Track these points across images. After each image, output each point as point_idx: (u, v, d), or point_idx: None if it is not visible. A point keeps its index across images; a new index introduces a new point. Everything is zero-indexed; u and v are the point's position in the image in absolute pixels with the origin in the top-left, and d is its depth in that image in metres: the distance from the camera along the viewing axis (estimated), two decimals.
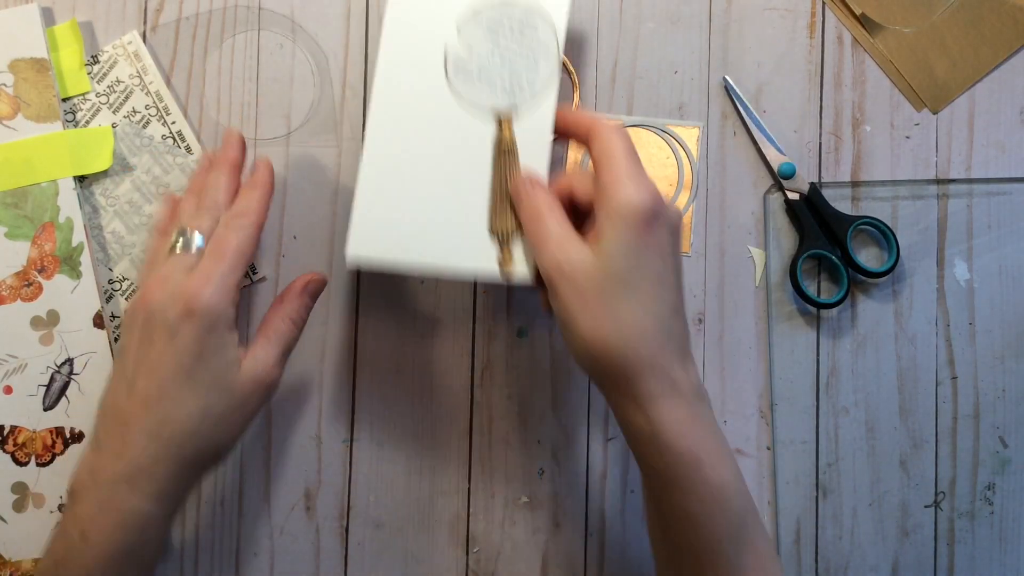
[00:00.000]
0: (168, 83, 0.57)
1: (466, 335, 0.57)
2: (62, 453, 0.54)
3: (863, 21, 0.58)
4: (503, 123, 0.51)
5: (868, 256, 0.58)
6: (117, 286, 0.56)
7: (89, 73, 0.57)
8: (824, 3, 0.59)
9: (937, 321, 0.57)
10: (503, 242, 0.50)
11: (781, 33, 0.58)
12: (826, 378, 0.57)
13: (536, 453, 0.57)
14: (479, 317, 0.57)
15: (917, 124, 0.58)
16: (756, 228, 0.58)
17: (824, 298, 0.57)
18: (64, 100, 0.56)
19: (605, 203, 0.43)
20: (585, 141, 0.47)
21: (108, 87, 0.57)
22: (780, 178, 0.57)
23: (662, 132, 0.58)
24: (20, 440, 0.54)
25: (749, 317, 0.57)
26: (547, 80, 0.51)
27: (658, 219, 0.43)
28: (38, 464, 0.54)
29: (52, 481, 0.54)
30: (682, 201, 0.58)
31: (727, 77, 0.58)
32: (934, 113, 0.58)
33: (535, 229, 0.46)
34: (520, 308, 0.57)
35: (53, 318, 0.54)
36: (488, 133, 0.51)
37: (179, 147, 0.57)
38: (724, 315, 0.57)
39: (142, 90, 0.57)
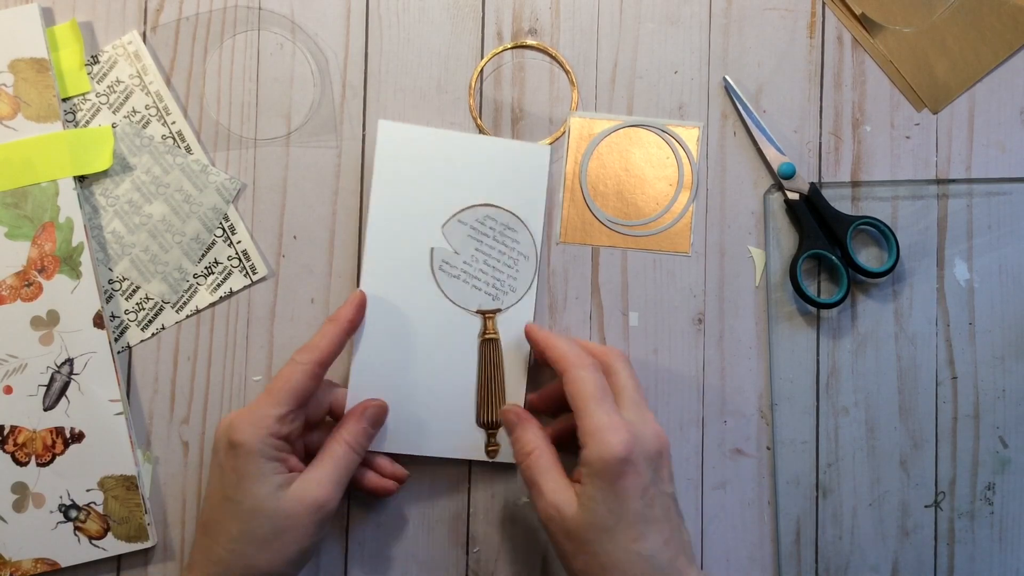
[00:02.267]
0: (168, 83, 0.57)
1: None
2: (62, 453, 0.54)
3: (863, 21, 0.58)
4: (487, 319, 0.56)
5: (868, 256, 0.58)
6: (117, 286, 0.56)
7: (89, 73, 0.57)
8: (824, 3, 0.59)
9: (937, 321, 0.57)
10: (489, 432, 0.55)
11: (781, 33, 0.58)
12: (826, 378, 0.57)
13: None
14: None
15: (917, 124, 0.58)
16: (756, 228, 0.58)
17: (824, 298, 0.57)
18: (64, 100, 0.56)
19: (583, 450, 0.47)
20: (558, 373, 0.49)
21: (108, 87, 0.57)
22: (780, 178, 0.57)
23: (662, 132, 0.58)
24: (20, 440, 0.54)
25: (749, 317, 0.57)
26: (528, 281, 0.56)
27: (630, 465, 0.45)
28: (38, 464, 0.54)
29: (52, 481, 0.54)
30: (682, 201, 0.58)
31: (727, 77, 0.58)
32: (934, 113, 0.58)
33: (529, 476, 0.49)
34: None
35: (53, 318, 0.54)
36: (473, 325, 0.55)
37: (179, 147, 0.57)
38: (724, 315, 0.57)
39: (142, 90, 0.57)
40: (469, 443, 0.55)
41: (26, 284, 0.54)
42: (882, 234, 0.57)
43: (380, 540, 0.56)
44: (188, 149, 0.57)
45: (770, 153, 0.57)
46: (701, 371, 0.57)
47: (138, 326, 0.56)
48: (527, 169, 0.56)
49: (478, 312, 0.56)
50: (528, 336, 0.53)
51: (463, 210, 0.56)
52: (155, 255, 0.56)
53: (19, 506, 0.53)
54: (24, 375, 0.54)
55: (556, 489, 0.47)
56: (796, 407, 0.57)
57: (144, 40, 0.58)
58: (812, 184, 0.57)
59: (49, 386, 0.54)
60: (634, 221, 0.58)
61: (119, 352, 0.56)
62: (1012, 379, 0.57)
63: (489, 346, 0.55)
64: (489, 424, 0.55)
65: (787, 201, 0.57)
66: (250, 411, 0.49)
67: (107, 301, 0.56)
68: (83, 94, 0.56)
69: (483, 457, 0.55)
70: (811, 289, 0.57)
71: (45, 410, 0.54)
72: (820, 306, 0.57)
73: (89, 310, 0.54)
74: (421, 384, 0.55)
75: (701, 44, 0.58)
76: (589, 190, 0.58)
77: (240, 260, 0.56)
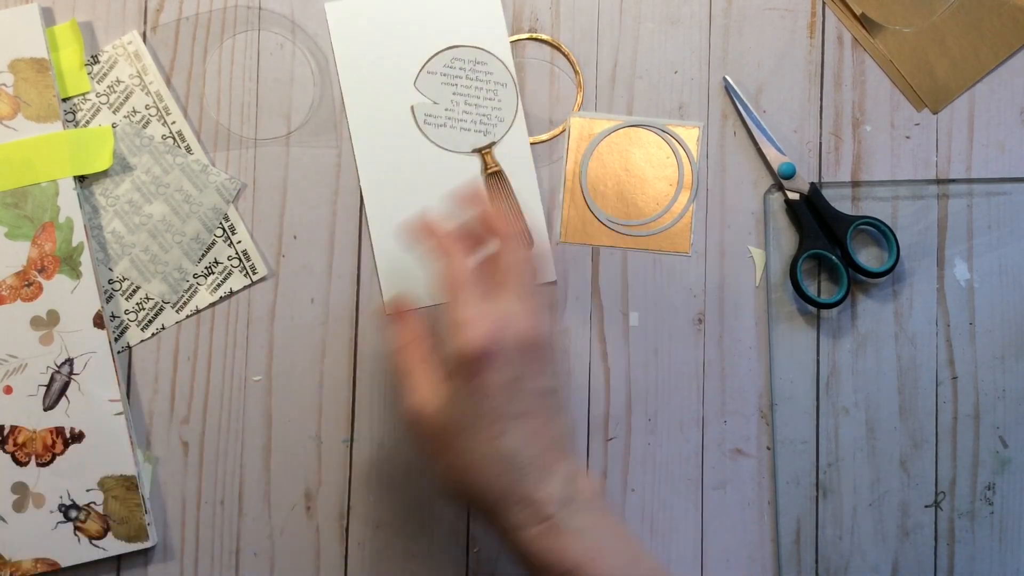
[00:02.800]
0: (168, 83, 0.57)
1: None
2: (62, 453, 0.54)
3: (863, 21, 0.58)
4: (484, 156, 0.57)
5: (868, 256, 0.58)
6: (117, 286, 0.56)
7: (89, 73, 0.57)
8: (824, 3, 0.59)
9: (937, 321, 0.57)
10: None
11: (781, 33, 0.58)
12: (826, 378, 0.57)
13: None
14: None
15: (917, 124, 0.58)
16: (756, 228, 0.58)
17: (824, 298, 0.57)
18: (64, 100, 0.56)
19: (445, 344, 0.45)
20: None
21: (108, 87, 0.57)
22: (780, 178, 0.57)
23: (662, 132, 0.58)
24: (20, 440, 0.54)
25: (749, 317, 0.57)
26: (512, 107, 0.57)
27: (489, 359, 0.43)
28: (38, 464, 0.54)
29: (52, 481, 0.54)
30: (682, 201, 0.58)
31: (727, 77, 0.58)
32: (934, 113, 0.58)
33: (398, 374, 0.47)
34: None
35: (53, 318, 0.54)
36: (474, 165, 0.57)
37: (179, 147, 0.57)
38: (724, 315, 0.57)
39: (142, 90, 0.57)
40: None
41: (26, 284, 0.54)
42: (882, 234, 0.57)
43: (380, 540, 0.56)
44: (188, 149, 0.57)
45: (770, 153, 0.57)
46: (701, 371, 0.57)
47: (138, 326, 0.56)
48: None
49: (474, 151, 0.57)
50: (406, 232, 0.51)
51: (429, 60, 0.57)
52: (155, 255, 0.56)
53: (19, 506, 0.53)
54: (24, 375, 0.54)
55: (420, 386, 0.46)
56: (796, 407, 0.57)
57: (144, 40, 0.57)
58: (812, 184, 0.57)
59: (49, 386, 0.54)
60: (634, 221, 0.58)
61: (119, 352, 0.56)
62: (1012, 379, 0.57)
63: (495, 179, 0.57)
64: None
65: (787, 201, 0.57)
66: None
67: (107, 301, 0.56)
68: (83, 94, 0.56)
69: None
70: (811, 289, 0.57)
71: (45, 410, 0.54)
72: (820, 306, 0.57)
73: (89, 310, 0.54)
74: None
75: (701, 44, 0.58)
76: (589, 190, 0.58)
77: (240, 260, 0.56)
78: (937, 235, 0.58)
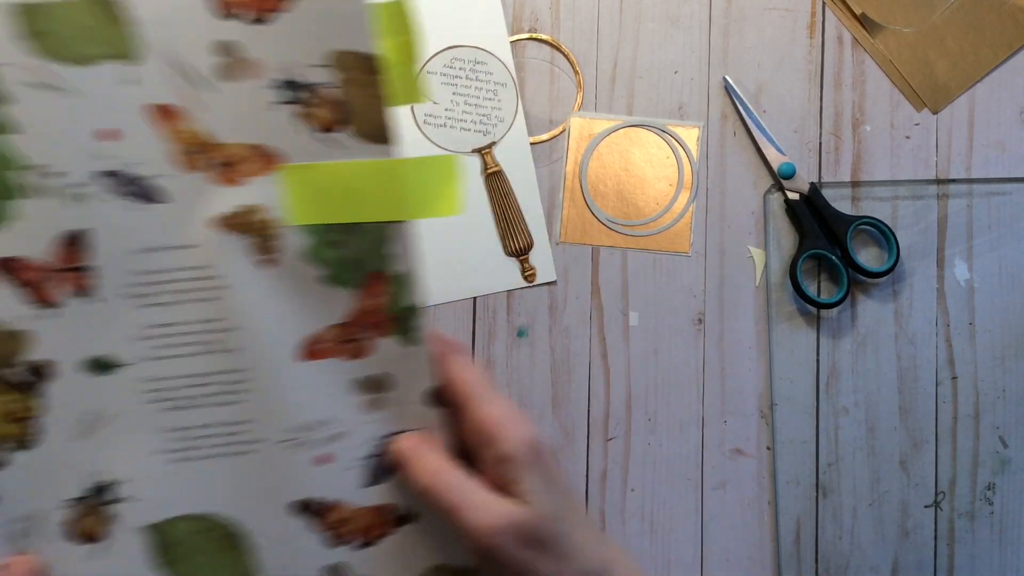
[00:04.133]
0: None
1: (466, 335, 0.57)
2: (387, 535, 0.44)
3: (863, 21, 0.58)
4: (484, 156, 0.57)
5: (868, 256, 0.58)
6: None
7: None
8: (824, 3, 0.59)
9: (937, 321, 0.57)
10: (520, 258, 0.57)
11: (781, 33, 0.58)
12: (826, 378, 0.57)
13: None
14: (479, 317, 0.57)
15: (917, 124, 0.58)
16: (756, 228, 0.58)
17: (824, 298, 0.57)
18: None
19: (490, 446, 0.40)
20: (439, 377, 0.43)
21: None
22: (780, 178, 0.57)
23: (662, 132, 0.58)
24: (336, 518, 0.44)
25: (749, 317, 0.57)
26: (512, 107, 0.57)
27: (542, 443, 0.40)
28: (357, 547, 0.44)
29: (371, 566, 0.44)
30: (682, 201, 0.58)
31: (727, 77, 0.58)
32: (934, 113, 0.58)
33: (446, 500, 0.41)
34: (520, 308, 0.57)
35: (380, 384, 0.44)
36: (474, 165, 0.57)
37: None
38: (724, 315, 0.57)
39: None
40: (504, 275, 0.57)
41: (348, 340, 0.43)
42: (882, 234, 0.57)
43: None
44: None
45: (770, 153, 0.57)
46: (701, 371, 0.57)
47: None
48: None
49: (474, 151, 0.57)
50: None
51: (428, 60, 0.57)
52: None
53: None
54: (344, 443, 0.44)
55: (488, 499, 0.40)
56: (796, 407, 0.57)
57: None
58: (812, 184, 0.57)
59: (373, 459, 0.44)
60: (634, 221, 0.58)
61: None
62: (1012, 379, 0.57)
63: (494, 179, 0.57)
64: (518, 251, 0.57)
65: (787, 201, 0.57)
66: None
67: None
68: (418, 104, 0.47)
69: (522, 283, 0.57)
70: (811, 289, 0.57)
71: (367, 486, 0.44)
72: (820, 306, 0.57)
73: (420, 383, 0.43)
74: (442, 237, 0.57)
75: (701, 44, 0.58)
76: (589, 190, 0.58)
77: None
78: (937, 235, 0.58)
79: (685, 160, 0.58)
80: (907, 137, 0.58)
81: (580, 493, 0.57)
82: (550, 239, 0.57)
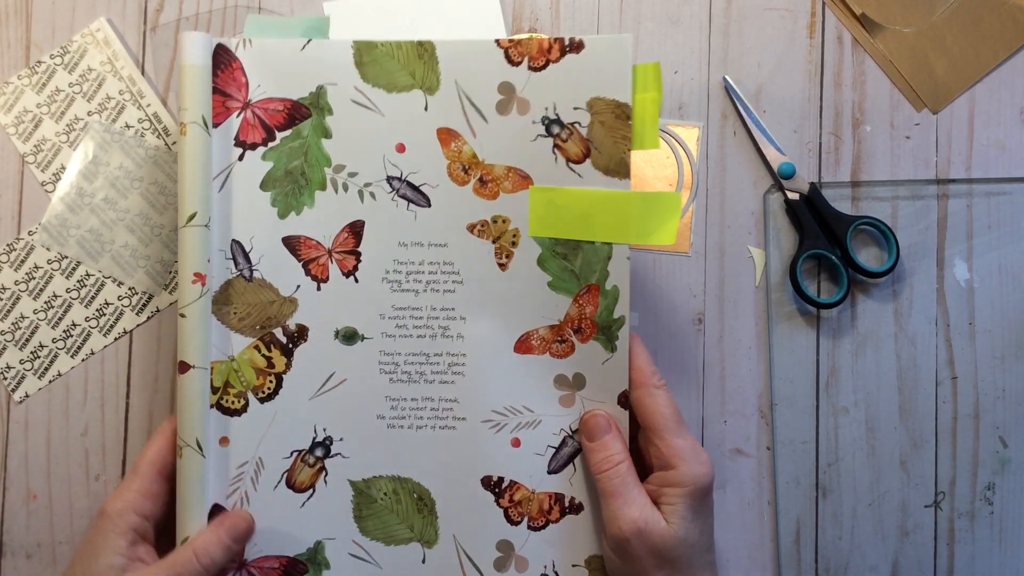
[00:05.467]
0: (141, 68, 0.57)
1: None
2: (557, 521, 0.51)
3: (863, 21, 0.58)
4: None
5: (868, 256, 0.58)
6: (9, 336, 0.56)
7: (59, 64, 0.56)
8: (824, 3, 0.59)
9: (937, 321, 0.57)
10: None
11: (781, 33, 0.58)
12: (826, 378, 0.57)
13: None
14: None
15: (917, 124, 0.58)
16: (756, 228, 0.58)
17: (824, 298, 0.57)
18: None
19: (669, 470, 0.48)
20: (632, 384, 0.51)
21: (80, 76, 0.57)
22: (780, 178, 0.57)
23: (662, 132, 0.58)
24: (517, 498, 0.51)
25: (749, 317, 0.57)
26: None
27: (712, 487, 0.49)
28: (530, 527, 0.51)
29: (539, 549, 0.51)
30: (682, 201, 0.58)
31: (727, 77, 0.58)
32: (934, 113, 0.58)
33: (614, 487, 0.49)
34: None
35: (579, 381, 0.51)
36: None
37: (156, 129, 0.56)
38: (724, 315, 0.57)
39: (115, 76, 0.57)
40: None
41: (559, 340, 0.51)
42: (882, 234, 0.57)
43: None
44: (165, 131, 0.57)
45: (770, 153, 0.57)
46: (701, 371, 0.57)
47: (132, 311, 0.56)
48: None
49: None
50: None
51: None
52: (135, 249, 0.56)
53: (500, 565, 0.51)
54: (536, 431, 0.51)
55: (645, 504, 0.48)
56: (796, 407, 0.57)
57: (144, 39, 0.57)
58: (812, 184, 0.57)
59: (559, 449, 0.51)
60: None
61: (117, 338, 0.56)
62: (1012, 379, 0.57)
63: None
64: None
65: (787, 201, 0.57)
66: (125, 481, 0.49)
67: (97, 292, 0.56)
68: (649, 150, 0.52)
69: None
70: (811, 289, 0.57)
71: (549, 473, 0.51)
72: (820, 306, 0.57)
73: (615, 387, 0.51)
74: None
75: (701, 44, 0.58)
76: None
77: None
78: (937, 235, 0.58)
79: (685, 160, 0.58)
80: (907, 137, 0.58)
81: None
82: None
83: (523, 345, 0.51)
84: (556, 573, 0.51)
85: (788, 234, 0.58)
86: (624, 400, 0.50)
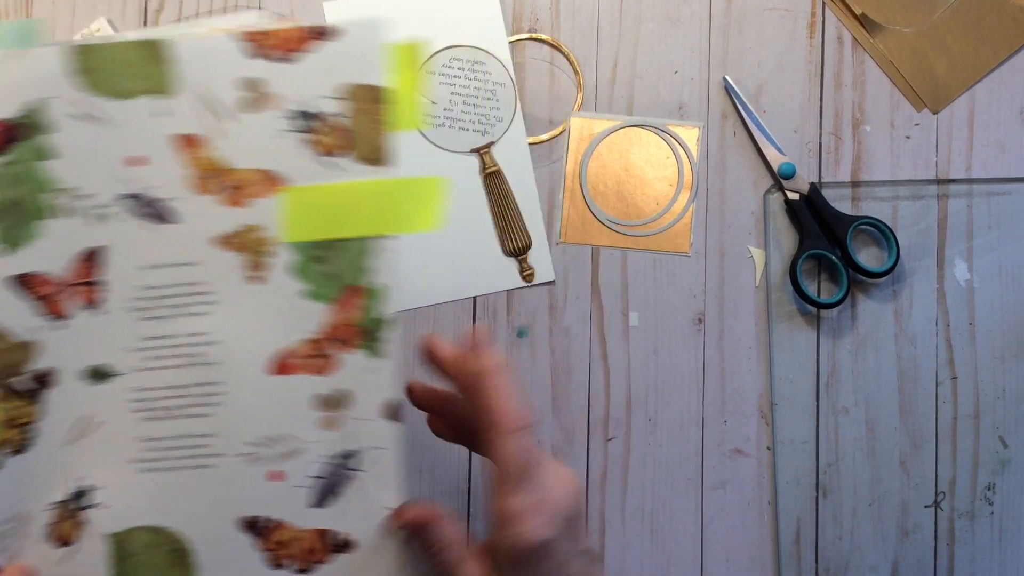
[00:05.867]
0: None
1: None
2: (322, 562, 0.44)
3: (863, 21, 0.58)
4: (483, 156, 0.57)
5: (868, 256, 0.58)
6: None
7: None
8: (824, 3, 0.59)
9: (937, 321, 0.57)
10: (519, 258, 0.57)
11: (781, 33, 0.58)
12: (826, 378, 0.57)
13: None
14: (479, 317, 0.57)
15: (917, 124, 0.58)
16: (756, 228, 0.58)
17: (824, 298, 0.57)
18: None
19: (493, 532, 0.41)
20: (483, 422, 0.42)
21: None
22: (780, 178, 0.57)
23: (662, 132, 0.58)
24: (281, 538, 0.45)
25: (749, 317, 0.57)
26: (511, 107, 0.57)
27: (544, 549, 0.40)
28: (297, 572, 0.45)
29: None
30: (682, 201, 0.58)
31: (727, 77, 0.58)
32: (934, 113, 0.58)
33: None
34: (520, 308, 0.57)
35: (343, 400, 0.45)
36: (472, 165, 0.57)
37: None
38: (724, 315, 0.57)
39: None
40: (503, 275, 0.57)
41: (317, 355, 0.45)
42: (882, 234, 0.57)
43: None
44: None
45: (770, 153, 0.57)
46: (701, 371, 0.57)
47: None
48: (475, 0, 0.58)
49: (472, 151, 0.57)
50: (428, 354, 0.45)
51: (427, 60, 0.57)
52: None
53: None
54: (297, 461, 0.45)
55: None
56: (796, 407, 0.57)
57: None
58: (812, 184, 0.57)
59: (325, 479, 0.45)
60: (634, 221, 0.58)
61: None
62: (1012, 379, 0.57)
63: (493, 179, 0.57)
64: (516, 251, 0.57)
65: (787, 201, 0.57)
66: None
67: None
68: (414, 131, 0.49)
69: (520, 284, 0.57)
70: (811, 289, 0.57)
71: (314, 506, 0.45)
72: (820, 306, 0.57)
73: (385, 397, 0.44)
74: (440, 236, 0.57)
75: (701, 44, 0.58)
76: (589, 190, 0.58)
77: None
78: (937, 235, 0.58)
79: (685, 160, 0.58)
80: (907, 137, 0.58)
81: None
82: (549, 239, 0.57)
83: (280, 366, 0.45)
84: None
85: (788, 234, 0.58)
86: (393, 413, 0.44)
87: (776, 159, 0.57)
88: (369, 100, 0.45)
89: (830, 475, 0.57)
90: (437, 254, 0.57)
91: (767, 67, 0.58)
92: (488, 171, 0.57)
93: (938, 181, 0.58)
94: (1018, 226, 0.58)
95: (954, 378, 0.57)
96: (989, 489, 0.57)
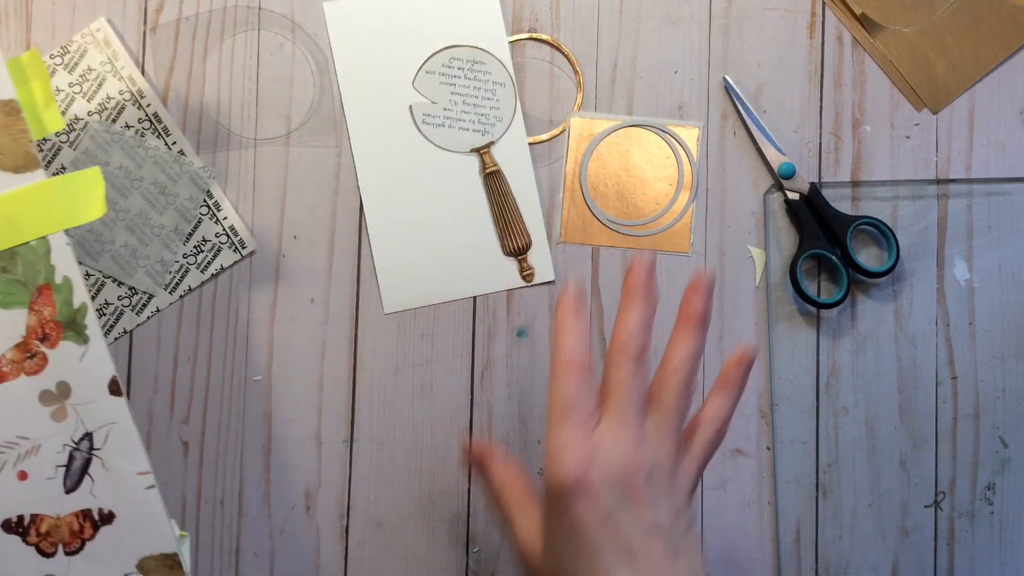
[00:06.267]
0: (141, 68, 0.57)
1: (466, 335, 0.57)
2: (92, 538, 0.48)
3: (863, 21, 0.58)
4: (482, 155, 0.57)
5: (868, 256, 0.58)
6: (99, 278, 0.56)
7: (59, 64, 0.56)
8: (824, 3, 0.59)
9: (937, 321, 0.57)
10: (519, 258, 0.57)
11: (781, 33, 0.58)
12: (826, 378, 0.57)
13: (536, 453, 0.57)
14: (479, 317, 0.57)
15: (917, 124, 0.58)
16: (756, 228, 0.58)
17: (824, 298, 0.57)
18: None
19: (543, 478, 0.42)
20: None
21: (80, 76, 0.57)
22: (780, 178, 0.57)
23: (662, 132, 0.58)
24: (44, 529, 0.47)
25: (749, 317, 0.57)
26: (511, 107, 0.57)
27: (582, 489, 0.39)
28: (67, 553, 0.47)
29: (84, 569, 0.48)
30: (682, 201, 0.58)
31: (727, 77, 0.58)
32: (934, 113, 0.58)
33: (503, 514, 0.46)
34: (520, 308, 0.57)
35: (64, 390, 0.48)
36: (472, 165, 0.57)
37: (156, 129, 0.56)
38: (724, 315, 0.57)
39: (115, 76, 0.57)
40: (503, 275, 0.57)
41: (28, 356, 0.48)
42: (882, 234, 0.57)
43: (380, 540, 0.56)
44: (166, 131, 0.57)
45: (770, 153, 0.57)
46: (702, 371, 0.57)
47: (132, 311, 0.56)
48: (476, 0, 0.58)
49: (472, 151, 0.57)
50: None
51: (427, 60, 0.57)
52: (135, 249, 0.56)
53: None
54: (39, 457, 0.47)
55: (525, 527, 0.43)
56: (796, 407, 0.57)
57: (144, 40, 0.57)
58: (812, 184, 0.57)
59: (68, 466, 0.48)
60: (634, 221, 0.58)
61: (117, 338, 0.56)
62: (1012, 379, 0.57)
63: (493, 179, 0.57)
64: (516, 251, 0.57)
65: (787, 201, 0.57)
66: None
67: (97, 291, 0.55)
68: (57, 132, 0.53)
69: (520, 283, 0.57)
70: (811, 289, 0.57)
71: (67, 493, 0.48)
72: (820, 306, 0.57)
73: (102, 376, 0.47)
74: (440, 236, 0.57)
75: (701, 44, 0.58)
76: (589, 190, 0.58)
77: (228, 236, 0.56)
78: (937, 235, 0.58)
79: (685, 160, 0.58)
80: (907, 137, 0.58)
81: None
82: (549, 239, 0.57)
83: None
84: None
85: (788, 234, 0.58)
86: (114, 388, 0.47)
87: (776, 159, 0.57)
88: (4, 115, 0.47)
89: (830, 475, 0.57)
90: (437, 254, 0.57)
91: (767, 67, 0.58)
92: (488, 171, 0.57)
93: (938, 181, 0.58)
94: (1018, 226, 0.58)
95: (954, 378, 0.57)
96: (989, 489, 0.57)
